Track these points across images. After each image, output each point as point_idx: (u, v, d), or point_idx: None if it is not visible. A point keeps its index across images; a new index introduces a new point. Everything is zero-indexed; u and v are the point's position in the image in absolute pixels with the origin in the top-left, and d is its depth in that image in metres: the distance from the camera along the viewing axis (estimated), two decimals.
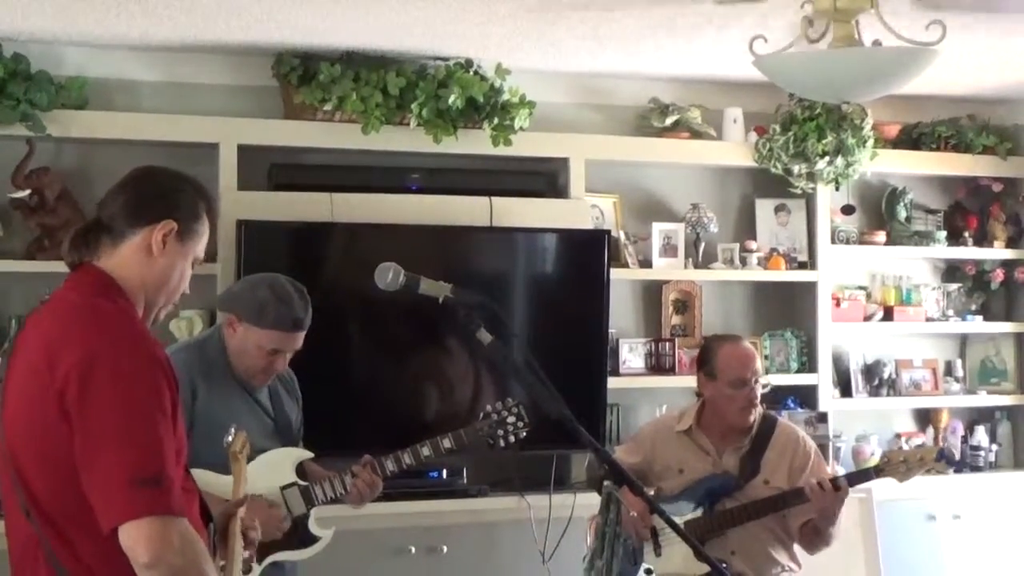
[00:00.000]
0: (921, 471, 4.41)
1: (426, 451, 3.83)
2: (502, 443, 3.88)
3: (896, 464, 4.43)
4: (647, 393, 5.74)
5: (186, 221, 2.53)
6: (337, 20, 4.72)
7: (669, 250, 5.84)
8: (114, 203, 2.53)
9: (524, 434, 3.89)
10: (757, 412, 4.45)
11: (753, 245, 5.97)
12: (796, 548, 4.50)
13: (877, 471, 4.48)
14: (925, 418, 6.35)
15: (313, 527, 3.76)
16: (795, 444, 4.50)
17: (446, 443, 3.85)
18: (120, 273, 2.49)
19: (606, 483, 2.99)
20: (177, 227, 2.50)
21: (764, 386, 4.51)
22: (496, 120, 5.37)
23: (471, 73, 5.34)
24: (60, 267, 4.64)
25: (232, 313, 3.66)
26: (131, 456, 2.25)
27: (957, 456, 5.86)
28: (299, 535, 3.71)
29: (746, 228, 6.09)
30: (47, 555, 2.33)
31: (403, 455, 3.84)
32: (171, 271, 2.52)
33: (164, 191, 2.55)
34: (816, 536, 4.40)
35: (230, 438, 3.18)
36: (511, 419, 3.88)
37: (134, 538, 2.23)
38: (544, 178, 5.66)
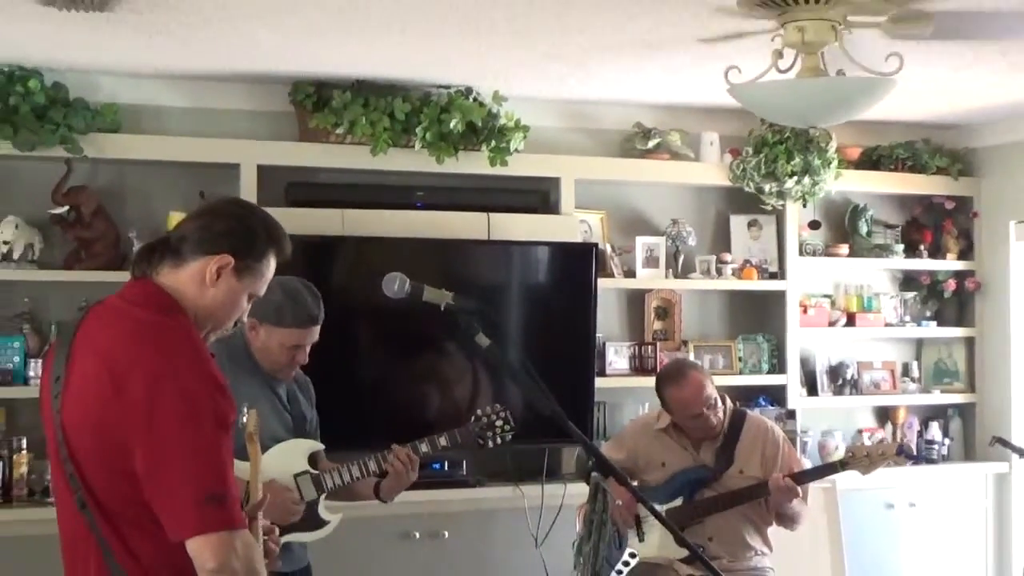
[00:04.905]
0: (883, 464, 4.43)
1: (424, 447, 3.84)
2: (490, 443, 3.91)
3: (860, 458, 4.45)
4: (631, 392, 5.73)
5: (245, 259, 2.41)
6: (349, 51, 4.72)
7: (651, 261, 5.83)
8: (186, 227, 2.43)
9: (510, 436, 3.91)
10: (722, 419, 4.46)
11: (728, 257, 5.97)
12: (769, 532, 4.52)
13: (843, 464, 4.51)
14: (884, 415, 6.35)
15: (323, 512, 3.75)
16: (764, 434, 4.52)
17: (442, 441, 3.88)
18: (176, 293, 2.39)
19: (594, 474, 2.99)
20: (234, 263, 2.39)
21: (722, 400, 4.49)
22: (493, 143, 5.36)
23: (471, 100, 5.33)
24: (95, 276, 4.81)
25: (252, 318, 3.66)
26: (198, 476, 2.22)
27: (914, 451, 5.87)
28: (310, 519, 3.71)
29: (721, 241, 6.09)
30: (101, 548, 2.29)
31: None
32: (223, 303, 2.41)
33: (233, 228, 2.43)
34: (781, 519, 4.47)
35: (244, 419, 3.12)
36: (499, 422, 3.90)
37: (202, 547, 2.21)
38: (537, 196, 5.65)
